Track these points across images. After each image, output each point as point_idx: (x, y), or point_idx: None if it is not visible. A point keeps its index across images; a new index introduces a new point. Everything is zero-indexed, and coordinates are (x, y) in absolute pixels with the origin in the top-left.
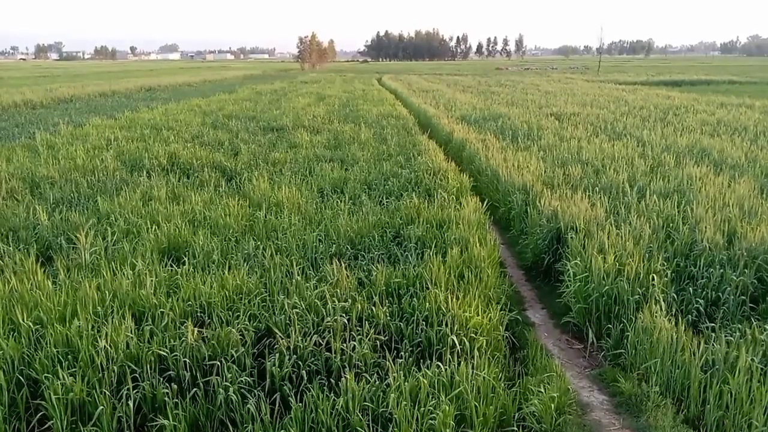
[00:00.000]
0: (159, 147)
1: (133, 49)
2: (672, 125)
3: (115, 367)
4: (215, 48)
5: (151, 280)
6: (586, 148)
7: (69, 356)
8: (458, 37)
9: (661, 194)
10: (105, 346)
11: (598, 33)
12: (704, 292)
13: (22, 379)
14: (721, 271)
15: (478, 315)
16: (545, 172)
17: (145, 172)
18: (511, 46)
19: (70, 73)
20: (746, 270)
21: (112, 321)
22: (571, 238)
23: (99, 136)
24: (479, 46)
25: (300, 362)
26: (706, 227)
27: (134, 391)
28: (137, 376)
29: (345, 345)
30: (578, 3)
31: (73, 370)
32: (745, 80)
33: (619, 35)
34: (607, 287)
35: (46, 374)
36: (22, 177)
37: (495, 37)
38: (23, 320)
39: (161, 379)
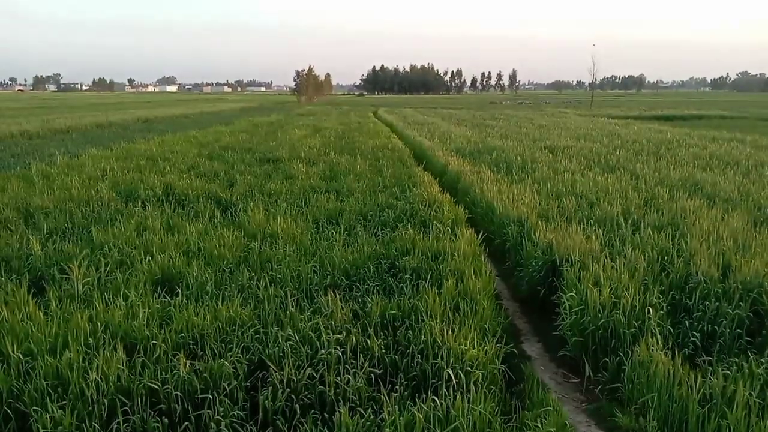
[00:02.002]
0: (155, 177)
1: (131, 80)
2: (665, 159)
3: (105, 400)
4: (213, 80)
5: (144, 312)
6: (580, 181)
7: (59, 389)
8: (453, 71)
9: (655, 227)
10: (96, 378)
11: (590, 68)
12: (700, 326)
13: (10, 413)
14: (717, 304)
15: (473, 348)
16: (540, 204)
17: (140, 203)
18: (505, 81)
19: (68, 104)
20: (741, 303)
21: (104, 353)
22: (566, 270)
23: (95, 166)
24: (473, 81)
25: (293, 396)
26: (700, 260)
27: (125, 425)
28: (128, 409)
29: (339, 378)
30: (571, 39)
31: (63, 403)
32: (735, 115)
33: (612, 71)
34: (602, 320)
35: (35, 407)
36: (17, 207)
37: (489, 72)
38: (13, 352)
39: (152, 412)
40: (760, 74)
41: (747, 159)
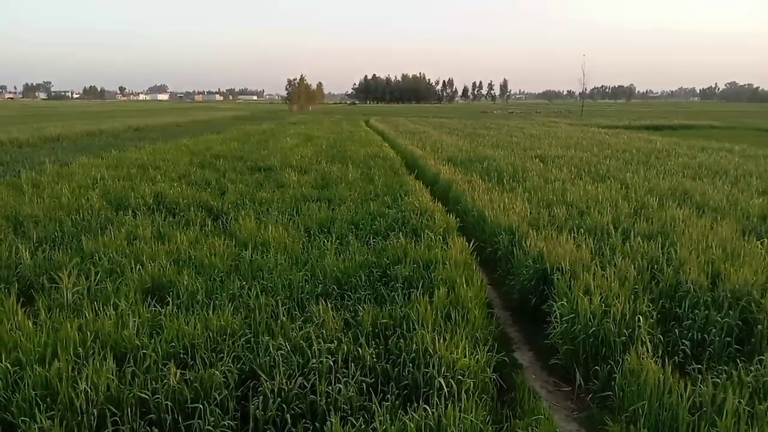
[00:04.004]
0: (145, 186)
1: (122, 89)
2: (654, 168)
3: (95, 410)
4: (204, 89)
5: (134, 321)
6: (571, 190)
7: (47, 399)
8: (444, 81)
9: (645, 236)
10: (85, 388)
11: (580, 78)
12: (690, 334)
13: None
14: (706, 312)
15: (465, 356)
16: (531, 213)
17: (130, 211)
18: (496, 91)
19: (58, 112)
20: (731, 311)
21: (93, 362)
22: (557, 278)
23: (85, 175)
24: (465, 90)
25: (284, 405)
26: (690, 269)
27: None
28: (118, 419)
29: (330, 387)
30: (561, 49)
31: (52, 413)
32: (724, 125)
33: (601, 80)
34: (593, 328)
35: (23, 417)
36: (6, 215)
37: (480, 82)
38: (1, 361)
39: (142, 422)
40: (748, 84)
41: (735, 168)
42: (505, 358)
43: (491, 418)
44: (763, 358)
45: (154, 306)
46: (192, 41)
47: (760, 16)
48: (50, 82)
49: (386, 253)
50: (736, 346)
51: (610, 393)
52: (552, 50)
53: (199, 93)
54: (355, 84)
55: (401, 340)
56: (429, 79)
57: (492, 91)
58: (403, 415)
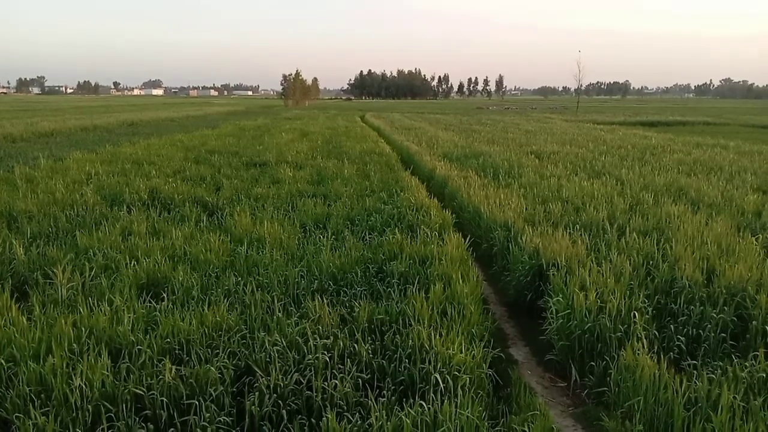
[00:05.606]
0: (140, 181)
1: (116, 84)
2: (650, 164)
3: (89, 406)
4: (199, 84)
5: (129, 317)
6: (566, 186)
7: (42, 395)
8: (440, 76)
9: (640, 232)
10: (80, 384)
11: (576, 74)
12: (685, 330)
13: None
14: (701, 308)
15: (461, 352)
16: (526, 209)
17: (125, 207)
18: (492, 86)
19: (52, 107)
20: (726, 307)
21: (88, 358)
22: (553, 274)
23: (79, 170)
24: (460, 86)
25: (280, 401)
26: (685, 265)
27: (109, 431)
28: (113, 415)
29: (326, 383)
30: (557, 45)
31: (46, 409)
32: (718, 121)
33: (597, 77)
34: (589, 324)
35: (17, 414)
36: None
37: (476, 77)
38: None
39: (137, 418)
40: (742, 81)
41: (730, 165)
42: (501, 354)
43: (487, 414)
44: (757, 353)
45: (149, 302)
46: (187, 37)
47: (757, 14)
48: (44, 77)
49: (382, 249)
50: (731, 342)
51: (605, 389)
52: (548, 46)
53: (194, 88)
54: (350, 79)
55: (397, 336)
56: (424, 75)
57: (488, 87)
58: (399, 411)
